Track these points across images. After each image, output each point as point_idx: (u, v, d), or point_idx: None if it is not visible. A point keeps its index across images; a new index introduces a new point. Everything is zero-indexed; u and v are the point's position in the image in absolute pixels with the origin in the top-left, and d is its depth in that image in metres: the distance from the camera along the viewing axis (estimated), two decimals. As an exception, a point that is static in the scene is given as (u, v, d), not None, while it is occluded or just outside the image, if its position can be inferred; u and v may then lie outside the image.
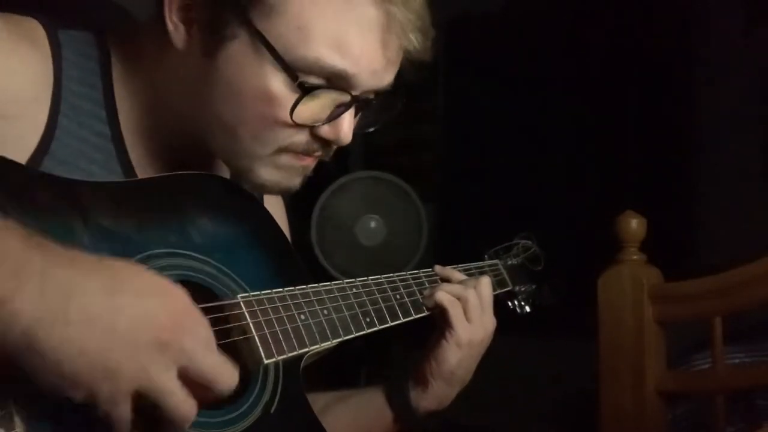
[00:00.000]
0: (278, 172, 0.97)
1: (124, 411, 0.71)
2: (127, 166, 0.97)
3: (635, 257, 1.67)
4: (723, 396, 1.58)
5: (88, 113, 0.94)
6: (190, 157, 1.00)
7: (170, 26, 0.91)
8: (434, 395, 1.14)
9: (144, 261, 0.85)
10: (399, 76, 0.97)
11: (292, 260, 1.04)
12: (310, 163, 0.98)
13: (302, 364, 0.99)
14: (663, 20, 3.11)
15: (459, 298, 1.13)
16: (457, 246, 3.01)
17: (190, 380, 0.74)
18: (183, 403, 0.73)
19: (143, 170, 0.99)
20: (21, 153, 0.87)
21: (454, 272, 1.22)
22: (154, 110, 0.98)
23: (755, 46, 2.93)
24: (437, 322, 1.15)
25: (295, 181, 0.99)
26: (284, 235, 1.07)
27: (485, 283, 1.17)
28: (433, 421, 1.15)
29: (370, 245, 2.53)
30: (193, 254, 0.90)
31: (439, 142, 3.62)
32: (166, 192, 0.93)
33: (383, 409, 1.15)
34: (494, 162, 3.42)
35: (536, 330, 2.17)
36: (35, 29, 0.92)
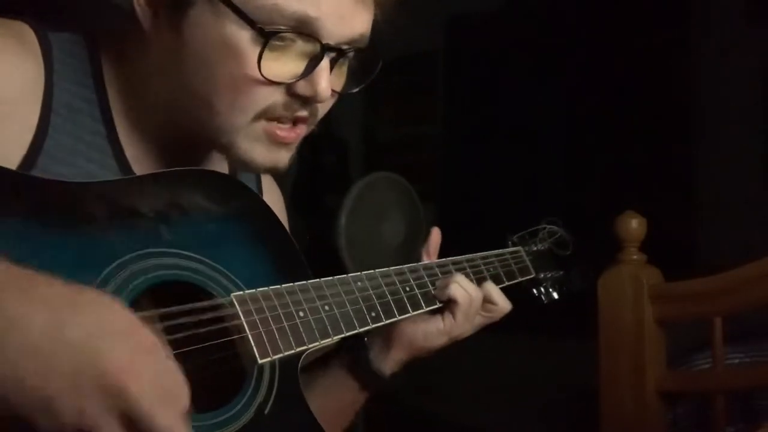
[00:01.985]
0: (261, 146, 0.94)
1: None
2: (124, 164, 0.97)
3: (635, 257, 1.67)
4: (723, 396, 1.57)
5: (82, 112, 0.95)
6: (184, 152, 0.99)
7: (138, 11, 0.91)
8: (394, 359, 1.15)
9: (137, 260, 0.84)
10: (375, 33, 0.93)
11: (293, 254, 1.02)
12: (294, 137, 0.96)
13: (300, 363, 0.97)
14: (663, 19, 3.11)
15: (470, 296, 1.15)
16: (455, 246, 3.00)
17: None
18: None
19: (140, 167, 0.99)
20: (15, 152, 0.88)
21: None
22: (144, 106, 0.97)
23: (757, 43, 2.93)
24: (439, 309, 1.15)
25: (282, 157, 0.96)
26: (285, 229, 1.05)
27: (492, 289, 1.19)
28: (398, 380, 1.15)
29: (393, 245, 2.52)
30: (188, 253, 0.89)
31: (439, 142, 3.61)
32: (159, 190, 0.92)
33: (347, 380, 1.14)
34: (493, 162, 3.42)
35: (536, 330, 2.17)
36: (24, 31, 0.92)
